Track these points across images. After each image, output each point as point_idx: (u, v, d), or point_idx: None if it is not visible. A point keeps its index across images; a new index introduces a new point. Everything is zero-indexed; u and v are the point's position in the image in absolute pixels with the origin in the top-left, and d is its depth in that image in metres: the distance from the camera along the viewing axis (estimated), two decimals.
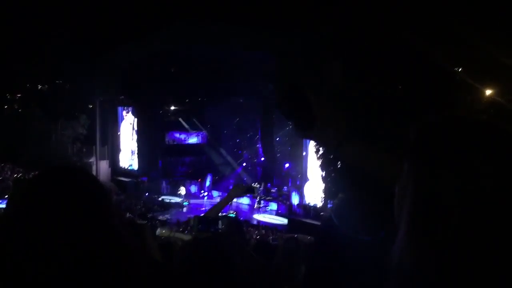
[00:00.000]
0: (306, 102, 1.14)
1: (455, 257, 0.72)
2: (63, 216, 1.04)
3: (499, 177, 0.72)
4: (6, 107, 31.42)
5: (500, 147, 0.75)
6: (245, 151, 29.46)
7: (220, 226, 2.57)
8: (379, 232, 1.44)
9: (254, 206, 23.39)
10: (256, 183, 25.53)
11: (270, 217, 22.17)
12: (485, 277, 0.70)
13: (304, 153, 21.58)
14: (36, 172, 1.14)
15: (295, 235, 15.69)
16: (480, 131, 0.78)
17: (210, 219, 2.66)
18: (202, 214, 2.84)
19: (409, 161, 0.81)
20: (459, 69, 13.63)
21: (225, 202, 3.12)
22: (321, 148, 16.94)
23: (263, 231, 17.90)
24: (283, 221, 21.14)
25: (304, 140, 21.50)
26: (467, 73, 12.96)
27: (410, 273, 0.75)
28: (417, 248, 0.75)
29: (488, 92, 13.11)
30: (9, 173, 22.81)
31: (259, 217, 21.93)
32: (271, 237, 15.72)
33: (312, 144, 18.70)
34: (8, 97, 31.70)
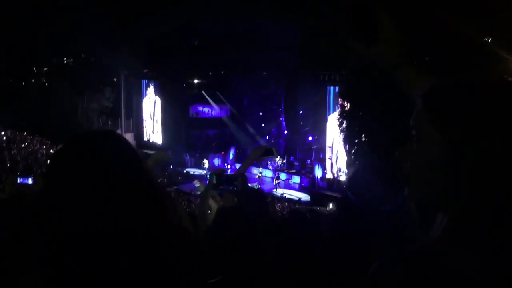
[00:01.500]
0: (373, 16, 1.14)
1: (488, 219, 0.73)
2: (108, 183, 1.00)
3: None
4: (33, 80, 31.98)
5: None
6: (272, 126, 29.37)
7: (237, 184, 2.55)
8: (396, 199, 1.44)
9: (273, 181, 23.35)
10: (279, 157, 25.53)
11: (291, 192, 22.13)
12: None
13: (327, 126, 21.43)
14: (69, 139, 1.09)
15: (317, 208, 15.73)
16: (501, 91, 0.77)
17: (228, 176, 2.64)
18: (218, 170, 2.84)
19: (431, 124, 0.79)
20: (488, 39, 13.24)
21: (246, 164, 3.12)
22: (344, 121, 16.81)
23: (286, 204, 18.03)
24: (306, 197, 21.07)
25: (328, 112, 21.34)
26: (497, 43, 12.58)
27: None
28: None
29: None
30: (37, 145, 23.36)
31: (280, 191, 21.89)
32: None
33: (335, 117, 18.54)
34: (35, 71, 32.22)
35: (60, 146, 1.09)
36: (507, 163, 0.72)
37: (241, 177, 2.65)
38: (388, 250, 0.82)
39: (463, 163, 0.74)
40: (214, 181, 2.58)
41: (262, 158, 3.05)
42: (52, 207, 0.99)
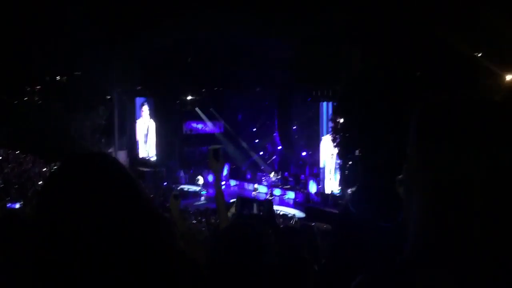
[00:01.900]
0: None
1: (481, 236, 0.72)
2: (100, 203, 1.01)
3: None
4: (26, 99, 31.88)
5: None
6: (266, 142, 29.41)
7: (255, 210, 2.54)
8: (397, 217, 1.45)
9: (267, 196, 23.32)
10: (273, 172, 25.55)
11: (285, 209, 22.01)
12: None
13: (321, 142, 21.49)
14: (63, 161, 1.09)
15: (313, 223, 15.69)
16: (492, 109, 0.77)
17: (250, 200, 2.62)
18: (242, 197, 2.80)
19: (423, 144, 0.78)
20: (478, 54, 13.40)
21: (217, 181, 3.10)
22: (337, 136, 16.89)
23: (281, 219, 17.94)
24: (300, 214, 20.96)
25: (321, 128, 21.42)
26: (487, 58, 12.74)
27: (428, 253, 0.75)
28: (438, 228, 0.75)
29: (509, 77, 12.88)
30: (30, 164, 23.19)
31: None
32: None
33: (328, 135, 18.63)
34: (28, 89, 32.14)
35: (55, 168, 1.11)
36: (480, 184, 0.72)
37: (267, 203, 2.64)
38: (371, 268, 0.82)
39: (438, 183, 0.75)
40: (239, 205, 2.56)
41: (221, 162, 3.01)
42: (45, 230, 0.99)
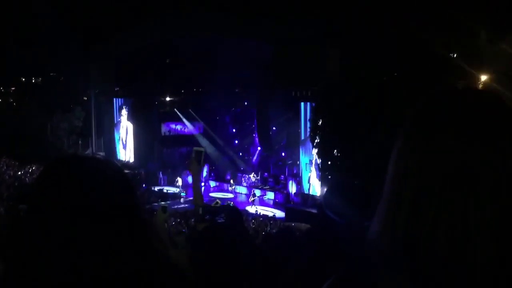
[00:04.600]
0: None
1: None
2: (93, 210, 0.96)
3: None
4: (0, 100, 31.30)
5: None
6: (245, 143, 29.41)
7: (220, 216, 2.57)
8: (369, 216, 1.44)
9: (249, 198, 23.32)
10: (253, 173, 25.60)
11: (265, 209, 22.07)
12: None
13: (300, 141, 21.57)
14: (50, 163, 1.01)
15: (293, 224, 15.73)
16: (488, 99, 0.73)
17: (211, 208, 2.66)
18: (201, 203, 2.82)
19: (417, 135, 0.73)
20: (453, 55, 13.63)
21: (195, 182, 3.09)
22: (317, 137, 16.98)
23: (261, 219, 17.97)
24: (280, 214, 21.03)
25: (300, 128, 21.49)
26: (462, 59, 12.97)
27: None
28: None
29: (484, 77, 13.12)
30: (5, 167, 22.73)
31: (253, 209, 21.77)
32: (268, 227, 15.80)
33: (308, 132, 18.72)
34: (2, 90, 31.57)
35: (43, 170, 1.02)
36: (483, 179, 0.67)
37: (228, 210, 2.68)
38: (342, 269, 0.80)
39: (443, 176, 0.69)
40: (200, 212, 2.60)
41: (201, 163, 3.04)
42: (35, 232, 0.93)
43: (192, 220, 14.05)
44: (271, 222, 17.52)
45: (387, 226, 0.72)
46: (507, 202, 0.67)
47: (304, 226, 16.14)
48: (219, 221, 2.55)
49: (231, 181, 25.64)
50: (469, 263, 0.66)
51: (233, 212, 2.89)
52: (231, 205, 15.95)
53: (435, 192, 0.68)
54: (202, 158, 3.04)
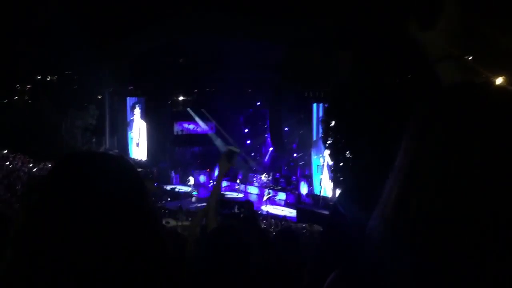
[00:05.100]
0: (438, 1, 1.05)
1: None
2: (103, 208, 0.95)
3: None
4: (16, 98, 31.62)
5: None
6: (257, 143, 29.39)
7: (236, 210, 2.59)
8: None
9: (263, 196, 23.39)
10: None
11: (279, 208, 22.14)
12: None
13: (312, 142, 21.54)
14: (62, 158, 1.01)
15: (304, 225, 15.69)
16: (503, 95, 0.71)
17: (229, 203, 2.67)
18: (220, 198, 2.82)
19: (429, 134, 0.73)
20: (468, 57, 13.50)
21: (219, 179, 3.10)
22: (329, 138, 16.94)
23: (272, 220, 17.97)
24: (292, 212, 21.10)
25: (312, 129, 21.44)
26: (476, 61, 12.83)
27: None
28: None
29: (498, 80, 12.99)
30: (20, 163, 23.00)
31: (267, 208, 21.88)
32: (277, 227, 15.80)
33: (320, 133, 18.66)
34: (18, 88, 31.88)
35: (54, 165, 1.03)
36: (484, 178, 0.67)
37: (247, 204, 2.68)
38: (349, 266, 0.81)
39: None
40: (219, 206, 2.58)
41: (232, 164, 3.01)
42: (39, 232, 0.93)
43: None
44: (283, 222, 17.54)
45: (390, 220, 0.73)
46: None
47: (316, 227, 16.13)
48: (235, 212, 2.55)
49: (238, 181, 25.68)
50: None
51: (248, 207, 2.90)
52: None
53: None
54: (235, 159, 3.02)
